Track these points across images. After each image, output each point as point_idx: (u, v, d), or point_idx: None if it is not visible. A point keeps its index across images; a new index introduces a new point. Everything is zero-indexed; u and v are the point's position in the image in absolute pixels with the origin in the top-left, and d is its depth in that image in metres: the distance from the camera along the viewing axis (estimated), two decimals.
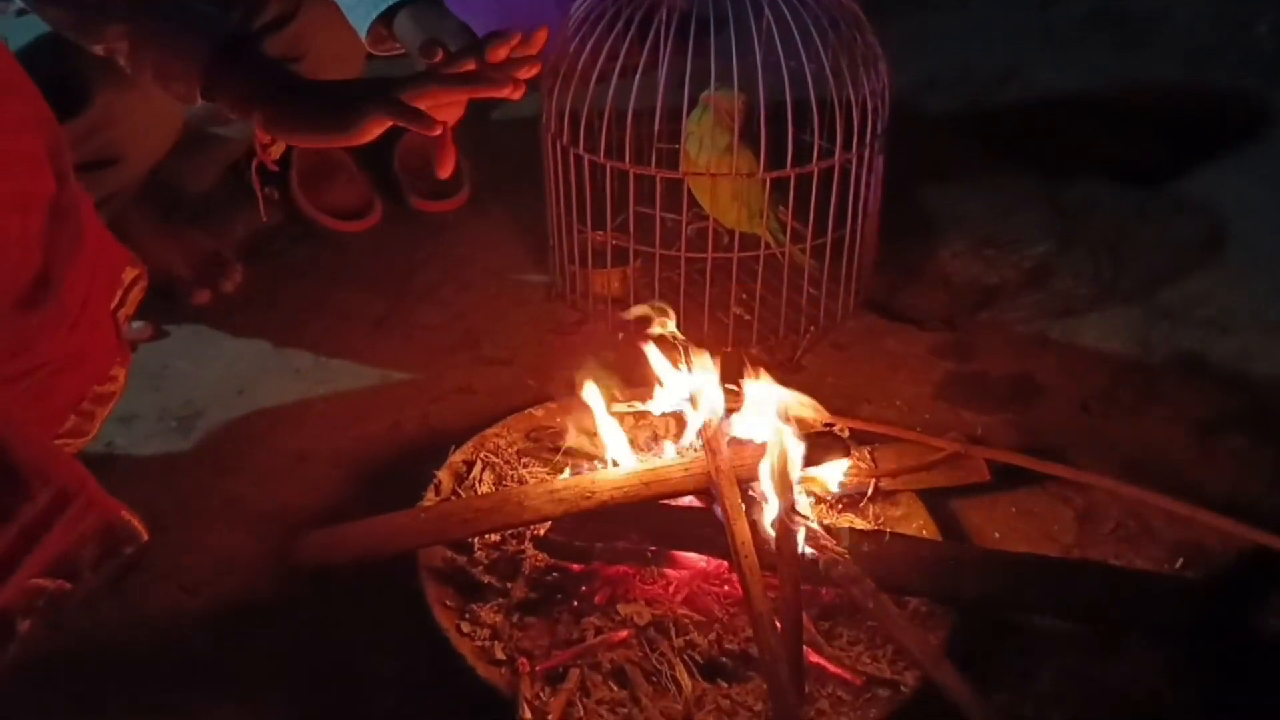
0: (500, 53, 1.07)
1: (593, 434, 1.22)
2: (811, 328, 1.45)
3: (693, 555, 1.11)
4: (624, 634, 1.04)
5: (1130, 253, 1.69)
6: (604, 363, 1.28)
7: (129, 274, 1.11)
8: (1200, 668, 1.05)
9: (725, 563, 1.10)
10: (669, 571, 1.11)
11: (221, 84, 1.10)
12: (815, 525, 1.07)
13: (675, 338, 1.19)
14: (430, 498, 1.19)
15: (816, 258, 1.39)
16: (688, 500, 1.14)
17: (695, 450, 1.16)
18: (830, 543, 1.06)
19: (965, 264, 1.65)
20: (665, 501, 1.13)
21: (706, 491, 1.11)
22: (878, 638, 1.05)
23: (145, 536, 0.94)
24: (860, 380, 1.44)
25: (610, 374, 1.25)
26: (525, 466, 1.24)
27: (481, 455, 1.25)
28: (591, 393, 1.19)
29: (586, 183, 1.37)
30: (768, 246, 1.39)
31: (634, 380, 1.28)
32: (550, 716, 0.97)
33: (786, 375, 1.37)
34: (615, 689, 1.00)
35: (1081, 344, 1.51)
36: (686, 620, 1.06)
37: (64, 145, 0.99)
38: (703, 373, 1.17)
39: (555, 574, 1.11)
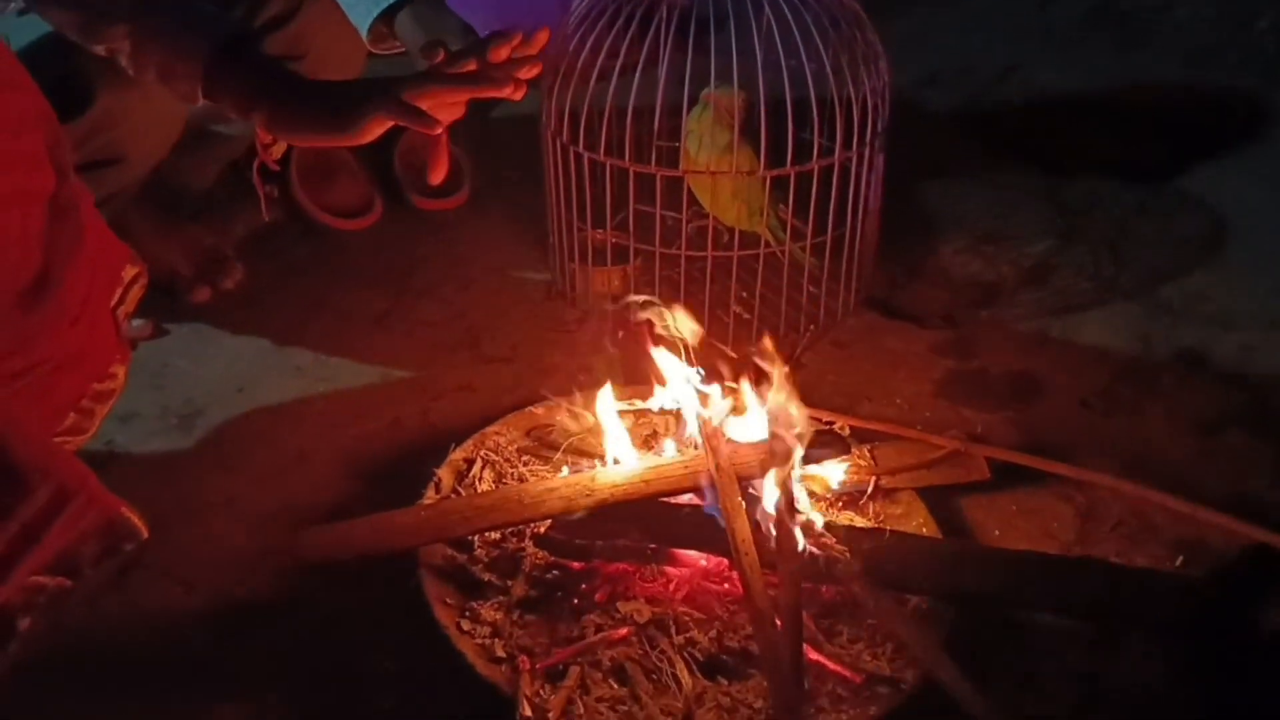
0: (502, 52, 1.07)
1: (583, 431, 1.22)
2: (812, 326, 1.45)
3: (693, 553, 1.11)
4: (624, 631, 1.04)
5: (1131, 250, 1.69)
6: (604, 360, 1.28)
7: (129, 271, 1.11)
8: (1201, 665, 1.05)
9: (725, 560, 1.10)
10: (669, 569, 1.11)
11: (223, 84, 1.10)
12: (816, 522, 1.07)
13: (674, 334, 1.19)
14: (430, 495, 1.19)
15: (816, 256, 1.39)
16: (688, 498, 1.14)
17: (695, 448, 1.16)
18: (830, 540, 1.06)
19: (966, 262, 1.65)
20: (665, 499, 1.13)
21: (707, 488, 1.10)
22: (878, 635, 1.05)
23: (145, 533, 0.93)
24: (860, 378, 1.43)
25: (611, 371, 1.25)
26: (525, 464, 1.24)
27: (482, 453, 1.25)
28: (595, 390, 1.19)
29: (586, 181, 1.37)
30: (768, 245, 1.39)
31: (632, 378, 1.28)
32: (550, 714, 0.97)
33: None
34: (615, 686, 1.00)
35: (1082, 341, 1.51)
36: (687, 618, 1.06)
37: (63, 142, 0.99)
38: (701, 370, 1.17)
39: (555, 572, 1.11)
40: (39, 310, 0.96)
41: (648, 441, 1.27)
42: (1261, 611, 1.07)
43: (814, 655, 1.03)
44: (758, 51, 1.29)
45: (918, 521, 1.18)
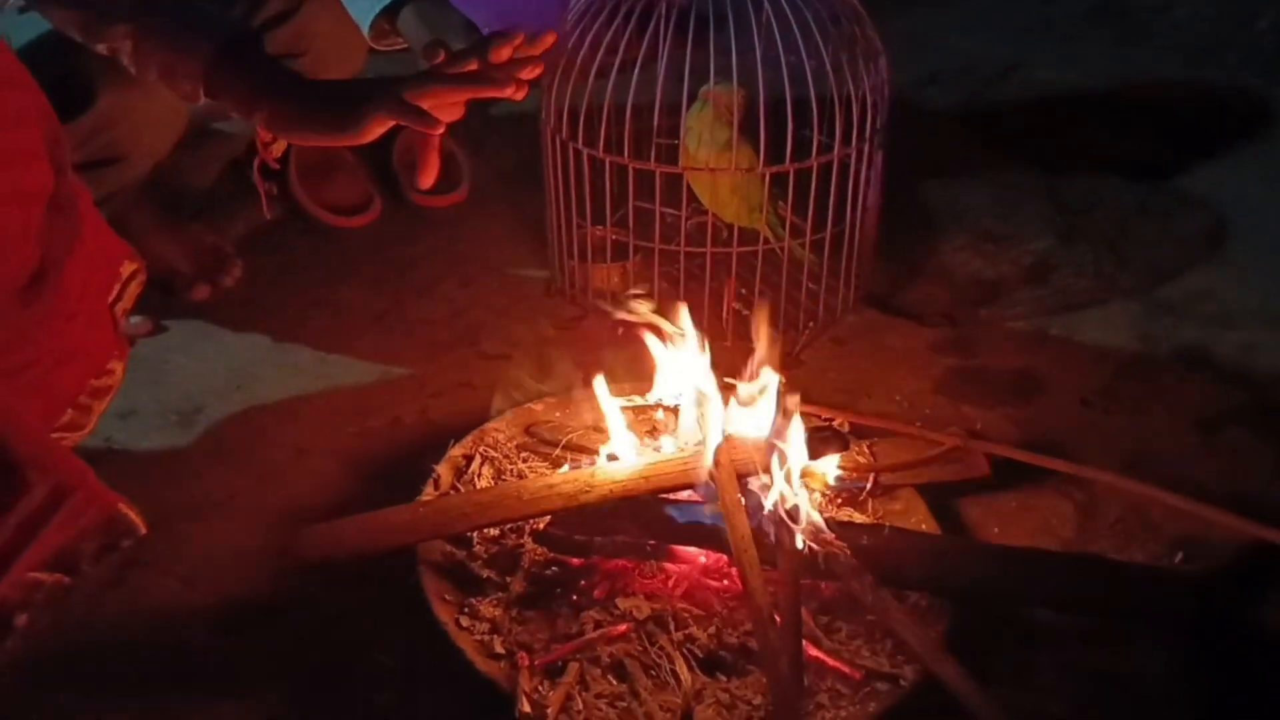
0: (503, 53, 1.07)
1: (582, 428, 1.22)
2: (811, 323, 1.45)
3: (692, 549, 1.11)
4: (623, 628, 1.04)
5: (1131, 248, 1.68)
6: (604, 358, 1.28)
7: (127, 268, 1.11)
8: (1200, 662, 1.05)
9: (724, 557, 1.09)
10: (668, 566, 1.11)
11: (224, 83, 1.10)
12: (815, 518, 1.07)
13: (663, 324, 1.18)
14: (429, 492, 1.18)
15: (816, 253, 1.39)
16: (686, 495, 1.14)
17: (694, 444, 1.16)
18: (830, 537, 1.06)
19: (966, 259, 1.65)
20: (665, 495, 1.13)
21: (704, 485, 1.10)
22: (877, 632, 1.05)
23: (144, 530, 0.93)
24: (860, 375, 1.43)
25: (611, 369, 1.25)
26: (524, 461, 1.24)
27: (481, 450, 1.24)
28: (598, 388, 1.19)
29: (586, 178, 1.37)
30: (767, 242, 1.39)
31: (631, 375, 1.28)
32: (549, 710, 0.97)
33: (787, 370, 1.37)
34: (614, 683, 1.00)
35: (1082, 339, 1.51)
36: (686, 614, 1.06)
37: (62, 139, 0.99)
38: (699, 366, 1.17)
39: (554, 568, 1.11)
40: (37, 306, 0.96)
41: (650, 433, 1.27)
42: (1262, 608, 1.07)
43: (813, 652, 1.03)
44: (757, 48, 1.29)
45: (917, 518, 1.17)
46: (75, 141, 1.23)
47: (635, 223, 1.37)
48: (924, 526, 1.16)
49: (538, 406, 1.31)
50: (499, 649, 1.03)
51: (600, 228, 1.44)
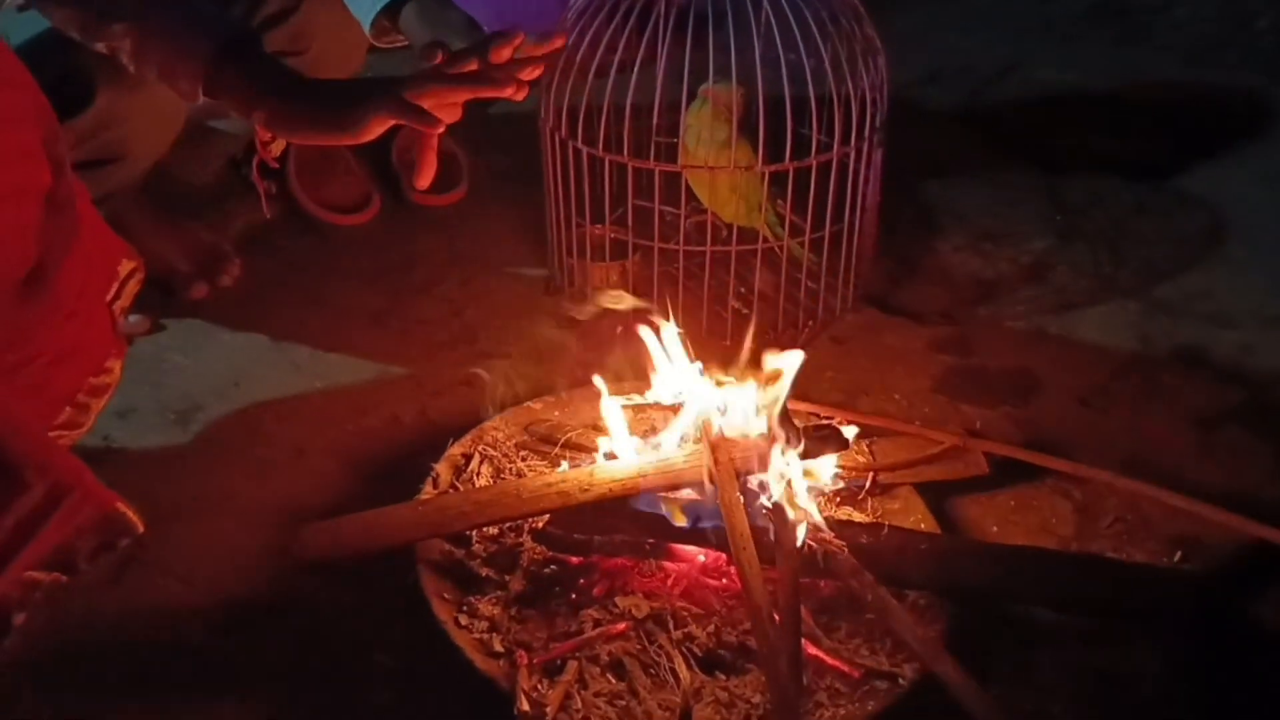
0: (503, 53, 1.07)
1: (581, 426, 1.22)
2: (810, 322, 1.45)
3: (691, 548, 1.11)
4: (622, 626, 1.04)
5: (1130, 248, 1.69)
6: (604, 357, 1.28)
7: (125, 266, 1.11)
8: (1199, 661, 1.05)
9: (724, 555, 1.09)
10: (667, 564, 1.11)
11: (224, 83, 1.10)
12: (815, 516, 1.07)
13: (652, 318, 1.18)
14: (428, 491, 1.18)
15: (815, 251, 1.39)
16: (686, 493, 1.14)
17: (693, 443, 1.16)
18: (829, 535, 1.06)
19: (964, 258, 1.65)
20: (664, 494, 1.13)
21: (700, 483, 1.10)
22: (876, 630, 1.05)
23: (141, 529, 0.93)
24: (859, 374, 1.43)
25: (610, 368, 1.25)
26: (523, 459, 1.24)
27: (480, 448, 1.24)
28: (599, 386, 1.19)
29: (585, 176, 1.37)
30: (766, 240, 1.39)
31: (629, 374, 1.28)
32: (548, 708, 0.96)
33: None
34: (613, 681, 1.00)
35: (1081, 339, 1.51)
36: (685, 613, 1.06)
37: (60, 137, 0.99)
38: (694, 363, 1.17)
39: (553, 567, 1.11)
40: (34, 304, 0.96)
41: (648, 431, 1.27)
42: (1259, 607, 1.07)
43: (812, 650, 1.03)
44: (756, 46, 1.29)
45: (916, 517, 1.17)
46: (74, 140, 1.22)
47: (634, 221, 1.37)
48: (923, 525, 1.16)
49: (537, 405, 1.31)
50: (498, 647, 1.03)
51: (599, 226, 1.44)
